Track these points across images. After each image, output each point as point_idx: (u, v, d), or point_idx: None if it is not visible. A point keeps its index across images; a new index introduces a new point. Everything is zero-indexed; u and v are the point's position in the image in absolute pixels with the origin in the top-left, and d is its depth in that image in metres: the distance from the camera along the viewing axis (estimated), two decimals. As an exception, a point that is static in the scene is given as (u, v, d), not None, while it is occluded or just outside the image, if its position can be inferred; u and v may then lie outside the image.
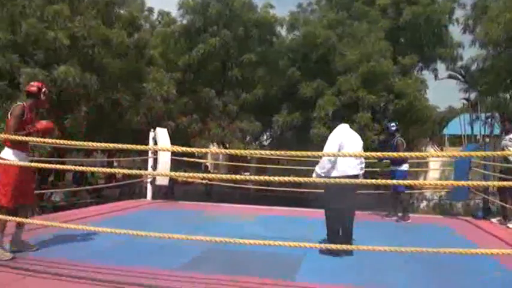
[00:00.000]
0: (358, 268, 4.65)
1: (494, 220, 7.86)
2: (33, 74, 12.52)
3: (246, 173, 23.02)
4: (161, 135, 10.14)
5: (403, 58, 19.05)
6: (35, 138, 4.57)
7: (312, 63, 19.75)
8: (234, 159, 22.84)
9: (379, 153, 4.56)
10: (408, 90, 17.53)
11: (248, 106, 20.75)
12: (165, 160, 9.81)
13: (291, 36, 22.20)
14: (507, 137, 7.71)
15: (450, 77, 31.75)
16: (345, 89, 18.07)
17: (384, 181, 5.24)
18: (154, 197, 10.34)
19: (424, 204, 23.66)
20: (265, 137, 26.59)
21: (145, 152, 11.12)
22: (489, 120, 30.85)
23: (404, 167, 8.06)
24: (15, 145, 4.44)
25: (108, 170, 11.91)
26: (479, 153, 5.57)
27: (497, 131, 30.45)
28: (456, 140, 42.80)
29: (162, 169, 9.57)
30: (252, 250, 4.76)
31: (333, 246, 4.64)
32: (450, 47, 21.84)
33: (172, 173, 9.25)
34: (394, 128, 8.35)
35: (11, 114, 4.48)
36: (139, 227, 4.37)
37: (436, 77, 24.03)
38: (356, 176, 5.29)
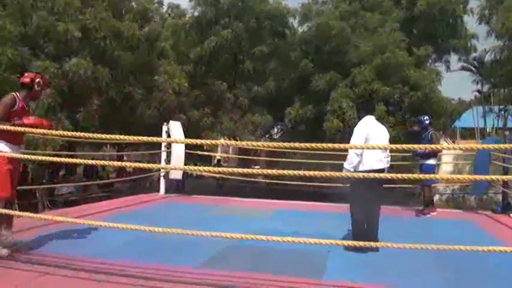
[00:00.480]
0: (385, 266, 4.42)
1: None
2: (44, 67, 12.40)
3: (256, 167, 22.84)
4: (175, 129, 9.97)
5: (418, 49, 18.63)
6: (46, 131, 4.45)
7: (325, 55, 19.39)
8: (245, 153, 22.65)
9: (404, 146, 4.28)
10: (424, 82, 17.16)
11: (260, 99, 20.49)
12: (179, 153, 9.65)
13: (303, 28, 21.90)
14: None
15: (463, 68, 31.39)
16: (359, 80, 17.75)
17: (410, 175, 4.98)
18: (167, 191, 10.19)
19: (436, 197, 23.37)
20: (275, 131, 26.38)
21: (157, 146, 10.96)
22: (502, 112, 30.46)
23: (432, 161, 7.85)
24: (2, 135, 4.19)
25: (120, 163, 11.71)
26: (502, 146, 5.43)
27: (510, 124, 30.05)
28: (467, 133, 42.20)
29: (176, 163, 9.41)
30: (273, 246, 4.45)
31: (360, 244, 4.42)
32: (464, 38, 21.41)
33: (187, 167, 9.22)
34: (427, 122, 8.15)
35: None
36: (159, 223, 4.16)
37: (448, 68, 23.66)
38: (382, 170, 5.10)
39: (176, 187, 11.86)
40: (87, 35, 13.82)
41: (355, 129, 5.18)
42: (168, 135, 9.91)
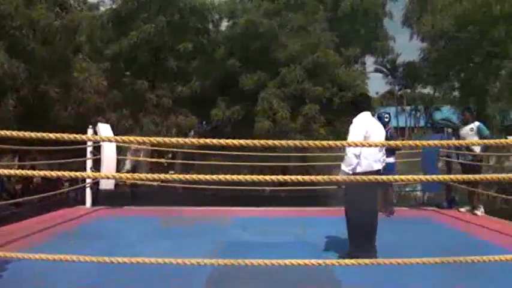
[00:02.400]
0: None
1: (462, 210, 7.82)
2: None
3: (170, 172, 21.47)
4: (105, 132, 8.67)
5: (346, 50, 18.74)
6: None
7: (253, 53, 18.74)
8: (158, 156, 21.07)
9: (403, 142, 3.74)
10: (354, 82, 17.25)
11: (183, 100, 19.31)
12: (111, 160, 8.39)
13: (226, 25, 21.08)
14: (467, 127, 7.81)
15: (376, 70, 32.71)
16: (289, 80, 17.36)
17: (410, 177, 4.45)
18: (94, 203, 8.81)
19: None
20: (191, 133, 25.13)
21: (76, 152, 9.39)
22: (413, 112, 32.35)
23: (393, 159, 7.66)
24: None
25: (46, 172, 9.88)
26: (446, 142, 5.32)
27: (422, 123, 31.98)
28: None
29: (108, 170, 8.16)
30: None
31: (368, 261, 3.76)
32: (385, 40, 22.10)
33: (120, 174, 8.03)
34: (387, 119, 7.82)
35: None
36: (106, 243, 3.09)
37: (363, 70, 24.37)
38: (379, 171, 4.67)
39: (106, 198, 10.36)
40: (2, 24, 11.70)
41: (352, 126, 4.69)
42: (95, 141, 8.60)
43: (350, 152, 4.47)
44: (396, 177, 5.12)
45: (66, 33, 13.47)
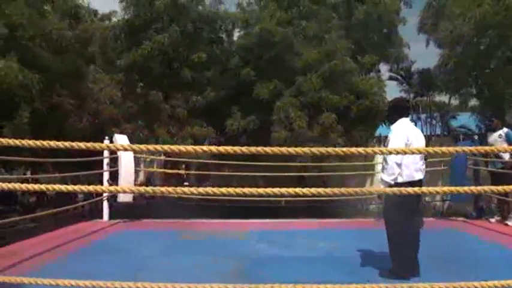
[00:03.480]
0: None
1: (492, 220, 7.55)
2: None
3: (185, 183, 21.17)
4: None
5: (362, 57, 18.44)
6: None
7: (267, 62, 18.50)
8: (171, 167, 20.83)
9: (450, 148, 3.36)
10: (372, 89, 16.90)
11: (198, 110, 19.10)
12: (128, 171, 8.12)
13: (239, 34, 20.89)
14: (495, 134, 7.64)
15: (390, 78, 32.22)
16: (306, 89, 17.06)
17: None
18: (111, 216, 8.53)
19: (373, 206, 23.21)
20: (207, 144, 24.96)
21: (93, 165, 9.17)
22: (429, 120, 31.76)
23: None
24: None
25: (60, 186, 9.66)
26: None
27: (438, 131, 31.37)
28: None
29: (126, 183, 7.89)
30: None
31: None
32: (399, 47, 21.78)
33: (140, 188, 7.74)
34: None
35: None
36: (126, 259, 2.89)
37: (378, 78, 23.95)
38: (420, 182, 4.35)
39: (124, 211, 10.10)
40: (14, 34, 11.54)
41: (393, 134, 4.38)
42: (112, 153, 8.37)
43: (391, 160, 4.17)
44: (437, 189, 4.77)
45: (79, 44, 13.32)
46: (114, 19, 19.64)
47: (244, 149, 2.71)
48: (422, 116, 31.07)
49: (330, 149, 2.82)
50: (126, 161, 8.09)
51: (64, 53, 12.93)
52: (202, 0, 19.40)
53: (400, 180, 4.19)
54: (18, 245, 5.79)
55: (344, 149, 2.90)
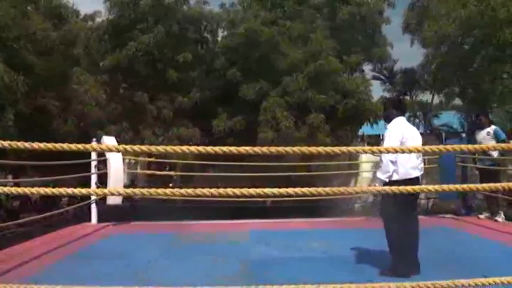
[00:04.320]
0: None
1: (482, 216, 7.69)
2: None
3: (170, 184, 20.97)
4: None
5: (348, 57, 18.55)
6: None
7: (253, 63, 18.46)
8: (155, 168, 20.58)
9: (448, 147, 3.37)
10: (358, 88, 17.02)
11: (184, 111, 18.94)
12: (118, 173, 8.02)
13: (223, 34, 20.80)
14: (483, 132, 7.77)
15: (374, 77, 32.50)
16: (293, 89, 17.07)
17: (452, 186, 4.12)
18: (100, 219, 8.41)
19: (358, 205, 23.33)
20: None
21: (78, 168, 8.96)
22: (411, 119, 32.18)
23: None
24: None
25: (48, 189, 9.43)
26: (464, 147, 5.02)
27: (421, 129, 31.84)
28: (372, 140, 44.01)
29: (114, 184, 7.79)
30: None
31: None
32: (383, 47, 21.98)
33: (135, 190, 7.61)
34: None
35: None
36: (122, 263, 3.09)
37: (363, 77, 24.13)
38: (417, 179, 4.41)
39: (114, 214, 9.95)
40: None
41: (388, 132, 4.47)
42: (100, 155, 8.25)
43: (386, 158, 4.22)
44: (430, 187, 4.79)
45: (64, 45, 13.08)
46: (98, 19, 19.39)
47: (233, 149, 2.71)
48: (406, 115, 31.61)
49: (320, 148, 2.77)
50: (115, 163, 7.98)
51: (49, 54, 12.69)
52: (186, 2, 19.25)
53: (395, 177, 4.23)
54: (13, 249, 5.68)
55: (335, 148, 2.93)
